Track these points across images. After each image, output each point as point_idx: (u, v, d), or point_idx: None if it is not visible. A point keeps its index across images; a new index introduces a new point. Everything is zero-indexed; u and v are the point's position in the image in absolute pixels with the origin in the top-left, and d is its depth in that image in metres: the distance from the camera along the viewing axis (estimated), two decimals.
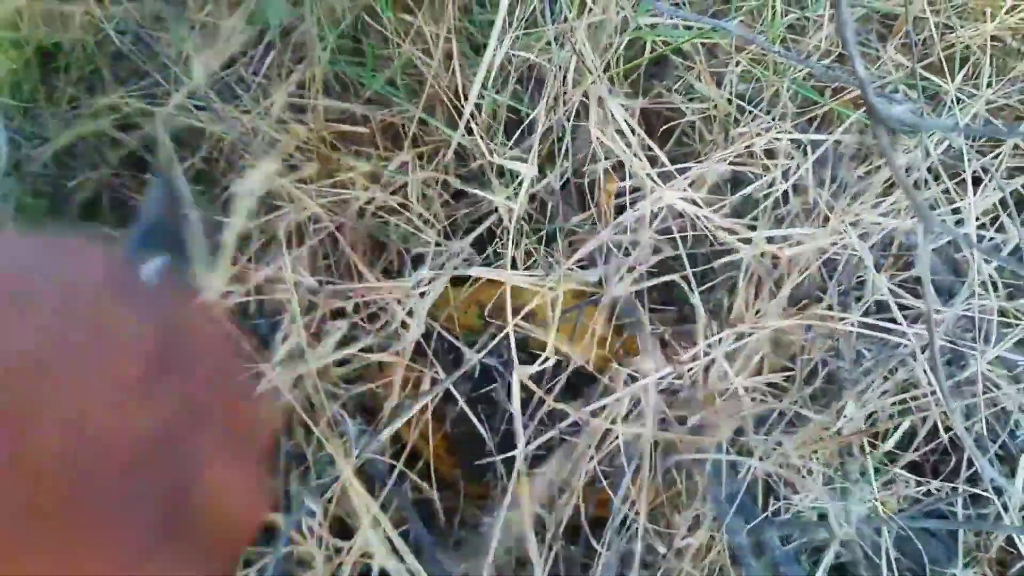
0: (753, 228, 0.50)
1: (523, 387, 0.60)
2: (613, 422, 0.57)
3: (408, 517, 0.67)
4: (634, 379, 0.61)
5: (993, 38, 0.59)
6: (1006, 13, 0.59)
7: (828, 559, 0.53)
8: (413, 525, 0.66)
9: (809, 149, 0.55)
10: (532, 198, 0.69)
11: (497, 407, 0.71)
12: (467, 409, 0.66)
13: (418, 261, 0.61)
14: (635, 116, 0.64)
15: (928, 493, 0.59)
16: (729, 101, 0.57)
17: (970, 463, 0.58)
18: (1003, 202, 0.56)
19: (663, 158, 0.51)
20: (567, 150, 0.58)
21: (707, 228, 0.49)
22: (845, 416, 0.57)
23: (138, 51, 0.69)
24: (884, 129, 0.28)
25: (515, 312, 0.70)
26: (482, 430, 0.67)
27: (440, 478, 0.74)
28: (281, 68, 0.70)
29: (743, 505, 0.53)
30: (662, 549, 0.60)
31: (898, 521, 0.52)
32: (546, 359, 0.61)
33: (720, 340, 0.58)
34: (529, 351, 0.71)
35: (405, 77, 0.71)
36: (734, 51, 0.57)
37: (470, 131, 0.65)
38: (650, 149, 0.50)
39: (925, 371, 0.51)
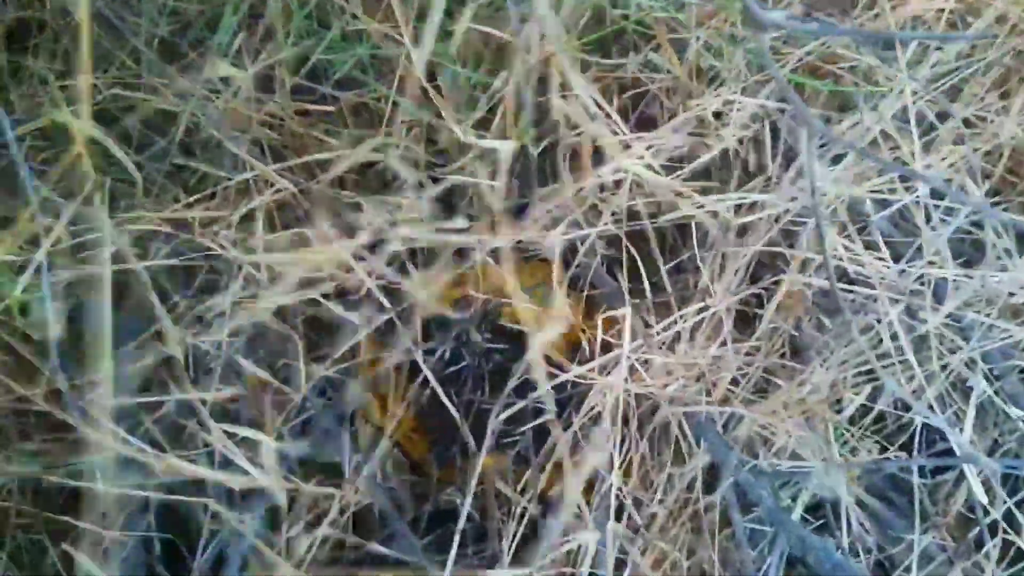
0: (708, 192, 0.51)
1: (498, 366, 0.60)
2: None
3: (376, 498, 0.67)
4: (607, 349, 0.62)
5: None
6: None
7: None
8: (381, 505, 0.66)
9: (767, 120, 0.56)
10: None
11: (464, 387, 0.71)
12: (438, 387, 0.66)
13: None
14: (608, 87, 0.64)
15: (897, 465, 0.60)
16: (689, 72, 0.58)
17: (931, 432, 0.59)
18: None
19: (622, 127, 0.51)
20: (529, 120, 0.58)
21: (665, 193, 0.50)
22: (810, 383, 0.58)
23: (108, 34, 0.69)
24: (760, 30, 0.29)
25: (492, 291, 0.70)
26: (452, 409, 0.67)
27: (411, 461, 0.74)
28: (250, 51, 0.71)
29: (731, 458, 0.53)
30: (640, 520, 0.60)
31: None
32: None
33: (686, 312, 0.59)
34: (500, 326, 0.71)
35: (374, 59, 0.71)
36: (694, 24, 0.58)
37: (439, 115, 0.66)
38: (609, 116, 0.51)
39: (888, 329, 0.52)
